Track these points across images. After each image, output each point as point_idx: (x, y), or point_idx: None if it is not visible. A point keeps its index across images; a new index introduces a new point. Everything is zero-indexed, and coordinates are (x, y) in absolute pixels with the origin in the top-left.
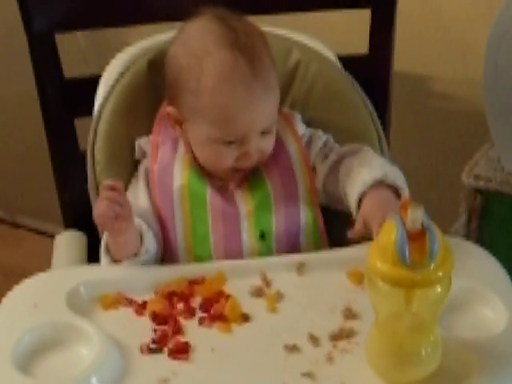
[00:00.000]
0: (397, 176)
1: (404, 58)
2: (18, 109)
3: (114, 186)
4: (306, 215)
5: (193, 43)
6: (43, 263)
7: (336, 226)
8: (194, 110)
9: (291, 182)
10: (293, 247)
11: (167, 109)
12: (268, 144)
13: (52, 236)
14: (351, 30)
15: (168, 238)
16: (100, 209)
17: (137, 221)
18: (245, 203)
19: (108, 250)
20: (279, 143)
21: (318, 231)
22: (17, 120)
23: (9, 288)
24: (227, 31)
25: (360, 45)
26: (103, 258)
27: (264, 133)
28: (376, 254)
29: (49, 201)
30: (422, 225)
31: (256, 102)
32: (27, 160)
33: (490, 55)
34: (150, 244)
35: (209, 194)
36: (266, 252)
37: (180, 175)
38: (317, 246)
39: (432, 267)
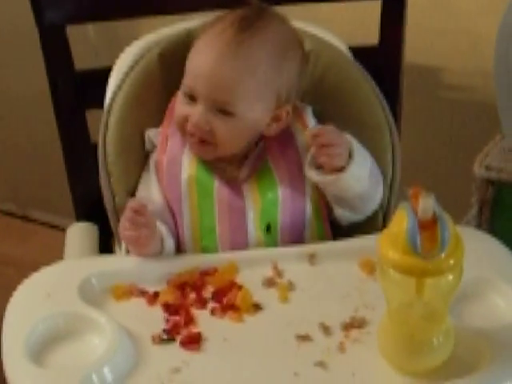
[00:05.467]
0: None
1: (414, 49)
2: (29, 103)
3: (140, 210)
4: (311, 209)
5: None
6: (54, 257)
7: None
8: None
9: (298, 176)
10: (297, 239)
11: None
12: (222, 128)
13: (63, 230)
14: (362, 20)
15: (176, 229)
16: (127, 232)
17: (157, 225)
18: (252, 195)
19: (128, 252)
20: (289, 135)
21: (323, 225)
22: (27, 114)
23: (20, 282)
24: (249, 13)
25: (371, 36)
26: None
27: (220, 111)
28: (387, 243)
29: (60, 194)
30: (434, 213)
31: (217, 65)
32: (38, 154)
33: (501, 46)
34: (170, 246)
35: (216, 185)
36: (272, 244)
37: (188, 166)
38: (321, 238)
39: (443, 256)
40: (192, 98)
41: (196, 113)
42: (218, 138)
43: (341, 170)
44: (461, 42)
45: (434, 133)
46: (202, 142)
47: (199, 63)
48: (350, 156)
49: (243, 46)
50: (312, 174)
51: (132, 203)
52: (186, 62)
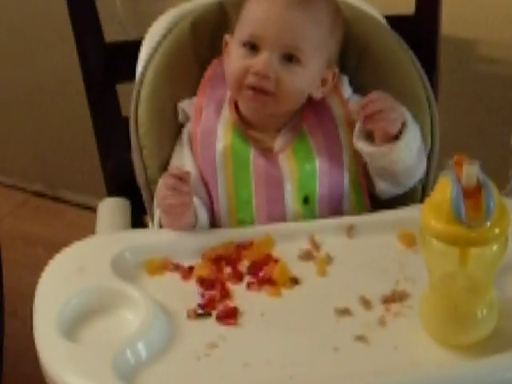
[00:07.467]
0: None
1: (450, 21)
2: (59, 85)
3: (183, 177)
4: (349, 180)
5: None
6: (84, 237)
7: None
8: (237, 22)
9: (336, 146)
10: (335, 212)
11: (225, 36)
12: (289, 78)
13: (93, 209)
14: None
15: (211, 202)
16: (167, 201)
17: None
18: (289, 167)
19: (160, 226)
20: (325, 106)
21: (361, 196)
22: (57, 96)
23: None
24: None
25: (407, 5)
26: None
27: (287, 58)
28: (430, 212)
29: (90, 174)
30: (478, 181)
31: (286, 11)
32: (67, 134)
33: None
34: (204, 219)
35: (252, 156)
36: (310, 216)
37: (223, 137)
38: (359, 211)
39: (488, 224)
40: (254, 47)
41: (261, 61)
42: (281, 88)
43: (393, 139)
44: (496, 14)
45: (469, 106)
46: (263, 93)
47: (265, 11)
48: (404, 125)
49: (307, 1)
50: (362, 146)
51: (175, 170)
52: (242, 15)
